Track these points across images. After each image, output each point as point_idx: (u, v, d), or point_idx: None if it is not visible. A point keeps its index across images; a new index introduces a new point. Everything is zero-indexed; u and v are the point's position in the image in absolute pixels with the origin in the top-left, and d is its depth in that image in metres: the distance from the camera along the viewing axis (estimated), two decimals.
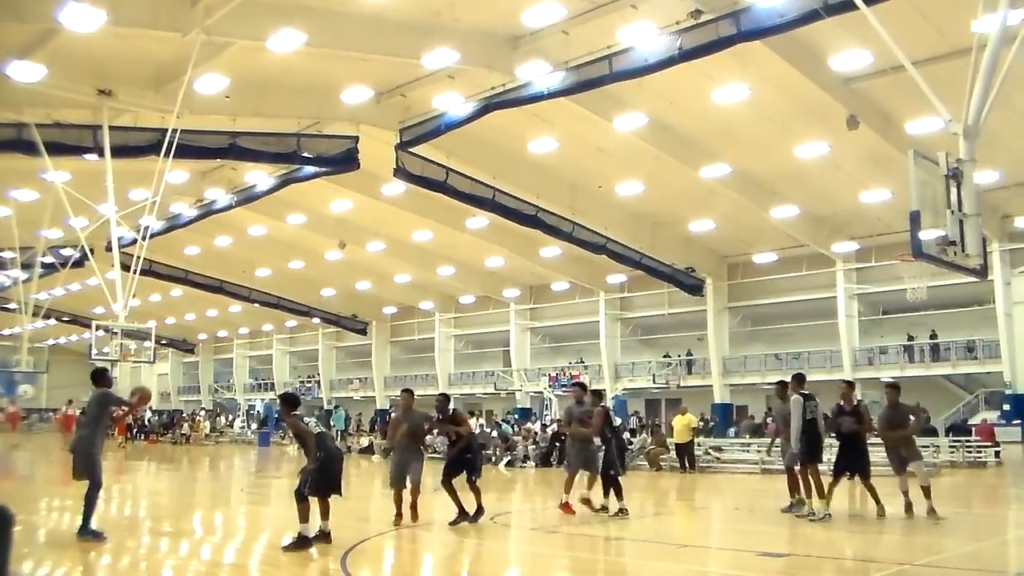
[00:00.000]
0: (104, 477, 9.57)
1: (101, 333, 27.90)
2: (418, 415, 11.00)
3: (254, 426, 43.34)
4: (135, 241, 27.44)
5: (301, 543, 8.82)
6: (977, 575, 8.09)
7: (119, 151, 23.96)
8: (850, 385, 12.39)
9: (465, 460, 10.85)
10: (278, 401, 10.03)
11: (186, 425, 41.34)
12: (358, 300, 46.48)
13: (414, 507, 10.58)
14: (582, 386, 12.70)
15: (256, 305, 46.99)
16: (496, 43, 20.64)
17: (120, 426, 42.58)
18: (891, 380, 12.46)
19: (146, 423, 45.94)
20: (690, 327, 36.72)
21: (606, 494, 11.73)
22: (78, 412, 43.52)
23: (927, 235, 10.33)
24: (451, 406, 11.25)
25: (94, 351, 28.09)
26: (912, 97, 13.91)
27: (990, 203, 25.66)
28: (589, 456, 11.75)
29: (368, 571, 8.47)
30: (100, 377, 9.91)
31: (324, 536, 9.00)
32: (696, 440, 22.45)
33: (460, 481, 10.75)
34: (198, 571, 8.42)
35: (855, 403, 11.91)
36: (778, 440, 12.54)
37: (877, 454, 11.79)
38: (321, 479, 8.99)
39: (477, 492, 10.69)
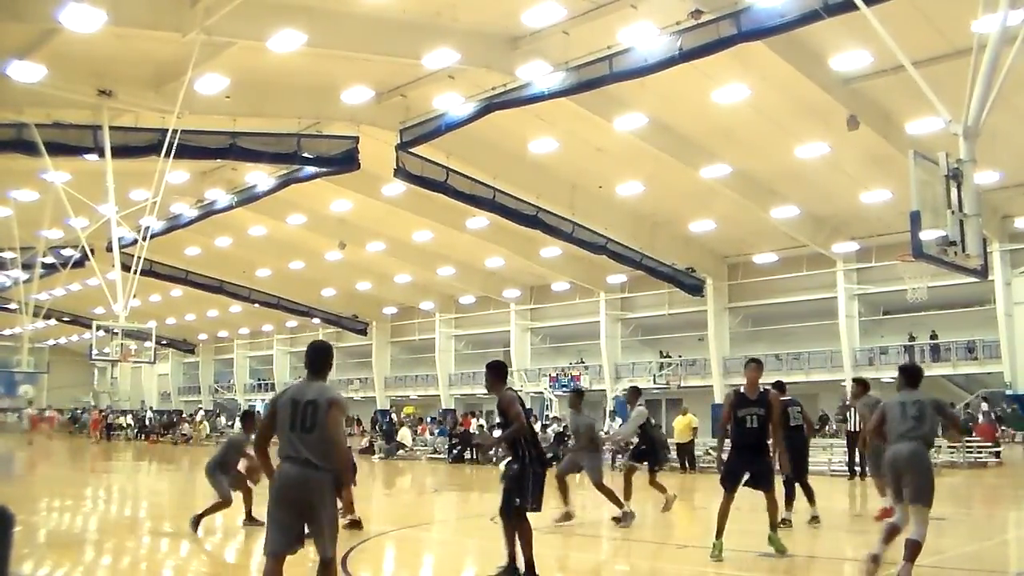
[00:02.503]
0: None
1: (102, 333, 27.96)
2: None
3: None
4: (135, 241, 27.47)
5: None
6: (976, 575, 8.08)
7: (119, 151, 23.97)
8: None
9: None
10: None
11: (186, 425, 41.36)
12: (358, 300, 46.49)
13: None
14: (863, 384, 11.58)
15: (256, 305, 46.99)
16: (496, 43, 20.64)
17: (94, 424, 43.03)
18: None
19: (146, 423, 46.08)
20: (691, 327, 36.72)
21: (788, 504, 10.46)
22: (48, 412, 44.82)
23: (927, 235, 10.33)
24: (505, 386, 7.45)
25: (95, 351, 28.16)
26: (912, 97, 13.92)
27: (990, 203, 25.64)
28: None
29: (369, 571, 8.47)
30: (247, 420, 10.60)
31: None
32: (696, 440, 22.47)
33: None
34: (199, 571, 8.42)
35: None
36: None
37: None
38: None
39: (512, 533, 7.15)
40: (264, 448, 5.35)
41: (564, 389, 35.22)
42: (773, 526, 8.63)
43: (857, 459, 18.20)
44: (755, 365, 8.71)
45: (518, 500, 6.97)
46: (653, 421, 12.55)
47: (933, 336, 30.95)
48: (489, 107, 21.70)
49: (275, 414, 5.18)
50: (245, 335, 57.77)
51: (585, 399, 11.69)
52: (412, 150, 24.85)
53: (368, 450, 29.94)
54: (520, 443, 7.11)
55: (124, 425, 45.66)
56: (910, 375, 7.41)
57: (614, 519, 10.79)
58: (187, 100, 21.37)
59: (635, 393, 12.48)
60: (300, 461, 5.02)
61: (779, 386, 10.69)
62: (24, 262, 36.25)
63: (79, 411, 52.19)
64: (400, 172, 25.23)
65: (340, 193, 30.82)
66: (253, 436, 9.28)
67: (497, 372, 7.46)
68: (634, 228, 31.47)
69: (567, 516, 10.65)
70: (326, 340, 5.58)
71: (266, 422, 5.34)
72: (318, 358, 5.36)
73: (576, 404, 11.44)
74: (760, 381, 8.67)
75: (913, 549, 6.68)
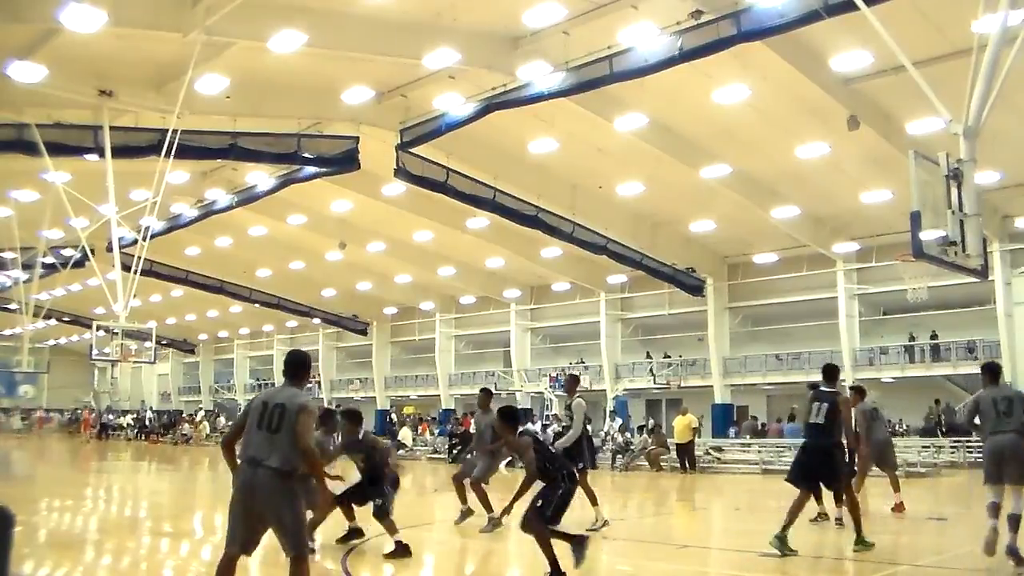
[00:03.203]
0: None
1: (102, 333, 27.95)
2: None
3: None
4: (136, 241, 27.43)
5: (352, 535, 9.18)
6: (976, 575, 8.09)
7: (120, 151, 23.94)
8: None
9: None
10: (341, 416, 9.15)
11: (187, 426, 41.39)
12: (359, 300, 46.49)
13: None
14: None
15: (257, 305, 46.98)
16: (497, 43, 20.63)
17: (85, 424, 43.01)
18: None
19: (147, 423, 46.14)
20: (691, 327, 36.73)
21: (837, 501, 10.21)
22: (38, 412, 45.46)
23: (928, 235, 10.32)
24: (517, 431, 7.53)
25: (95, 351, 28.16)
26: (913, 97, 13.90)
27: (991, 203, 25.64)
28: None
29: (368, 571, 8.47)
30: (327, 420, 9.38)
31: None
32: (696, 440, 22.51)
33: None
34: (198, 572, 8.42)
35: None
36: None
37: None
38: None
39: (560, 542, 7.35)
40: (231, 444, 5.56)
41: (564, 389, 35.26)
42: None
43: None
44: None
45: (540, 504, 7.14)
46: (590, 417, 11.54)
47: (933, 336, 30.95)
48: (489, 107, 21.68)
49: (247, 415, 5.32)
50: (245, 335, 57.77)
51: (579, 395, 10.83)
52: (412, 150, 24.83)
53: None
54: (546, 471, 7.21)
55: (124, 425, 45.69)
56: (992, 372, 8.17)
57: (592, 529, 10.02)
58: (187, 100, 21.34)
59: (574, 381, 11.18)
60: (252, 462, 5.16)
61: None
62: (24, 262, 36.24)
63: (79, 411, 52.23)
64: (400, 172, 25.22)
65: (340, 193, 30.81)
66: (334, 436, 9.22)
67: (509, 419, 7.40)
68: (634, 228, 31.47)
69: (466, 514, 10.52)
70: (305, 351, 5.60)
71: (238, 422, 5.48)
72: (295, 366, 5.53)
73: (485, 404, 10.77)
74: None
75: (1015, 522, 7.64)
